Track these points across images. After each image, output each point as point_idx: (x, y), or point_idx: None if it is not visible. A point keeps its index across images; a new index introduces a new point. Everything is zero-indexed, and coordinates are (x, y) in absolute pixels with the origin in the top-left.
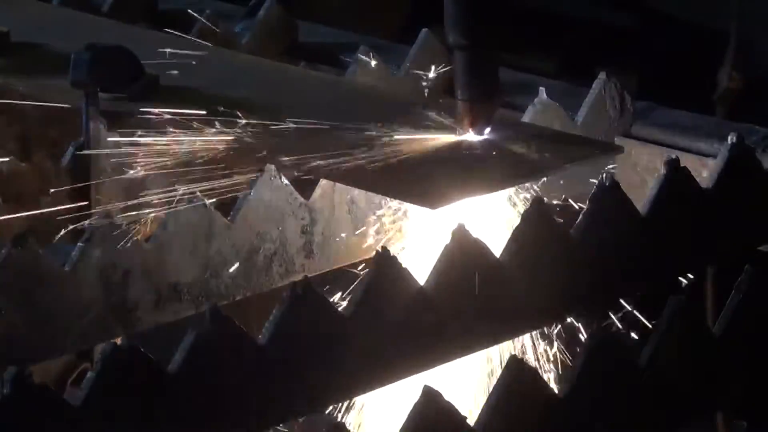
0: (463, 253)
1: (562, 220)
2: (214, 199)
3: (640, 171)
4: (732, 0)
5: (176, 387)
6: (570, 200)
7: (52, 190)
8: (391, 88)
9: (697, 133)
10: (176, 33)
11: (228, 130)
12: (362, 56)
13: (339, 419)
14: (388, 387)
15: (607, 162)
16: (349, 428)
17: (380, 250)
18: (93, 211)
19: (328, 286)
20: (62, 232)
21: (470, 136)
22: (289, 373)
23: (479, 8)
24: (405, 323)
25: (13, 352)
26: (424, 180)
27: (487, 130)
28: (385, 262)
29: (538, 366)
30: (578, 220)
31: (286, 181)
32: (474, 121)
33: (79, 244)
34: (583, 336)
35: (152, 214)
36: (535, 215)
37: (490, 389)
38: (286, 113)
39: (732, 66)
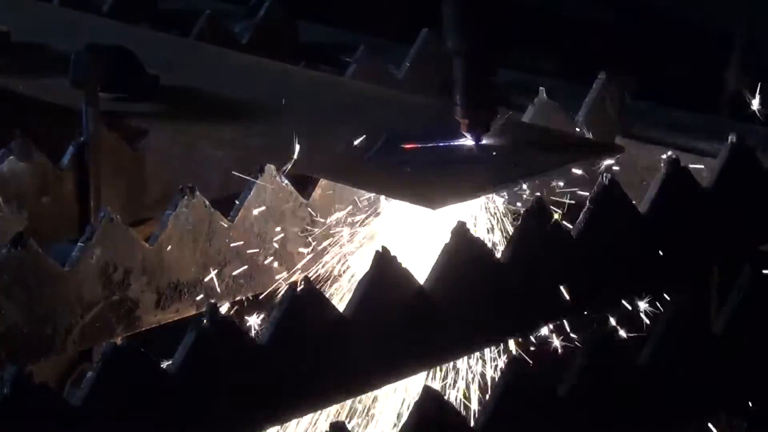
0: (463, 253)
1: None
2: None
3: (640, 171)
4: (739, 1)
5: (176, 387)
6: (570, 200)
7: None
8: (391, 88)
9: (697, 133)
10: (176, 33)
11: None
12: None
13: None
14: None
15: (607, 162)
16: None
17: (380, 250)
18: (93, 210)
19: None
20: (62, 231)
21: (470, 137)
22: (288, 373)
23: (477, 13)
24: (405, 323)
25: (14, 352)
26: (424, 180)
27: (485, 135)
28: (385, 262)
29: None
30: (578, 220)
31: (286, 181)
32: (471, 126)
33: (80, 243)
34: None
35: (153, 214)
36: (535, 215)
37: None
38: (286, 113)
39: (740, 67)
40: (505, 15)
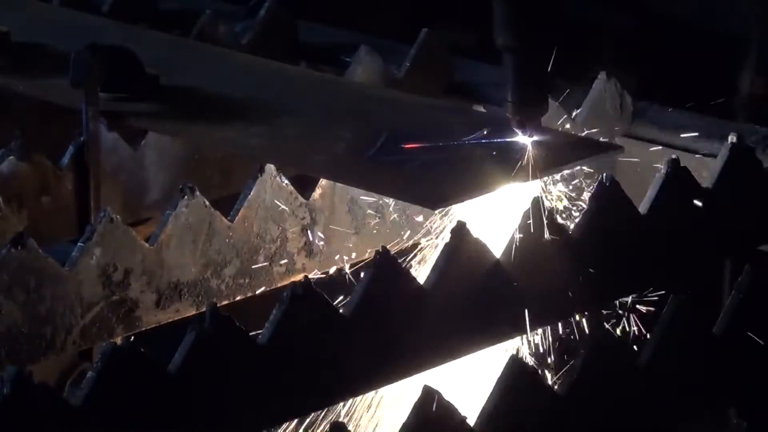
0: (463, 253)
1: (562, 220)
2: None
3: (640, 171)
4: (751, 4)
5: (176, 387)
6: (569, 200)
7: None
8: (391, 88)
9: (697, 133)
10: (176, 33)
11: None
12: (363, 55)
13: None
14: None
15: (607, 162)
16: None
17: (380, 250)
18: (93, 210)
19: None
20: (62, 231)
21: (473, 136)
22: (289, 372)
23: (529, 10)
24: (405, 323)
25: (14, 352)
26: (424, 180)
27: (536, 131)
28: (385, 262)
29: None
30: (578, 220)
31: (286, 181)
32: (523, 122)
33: (80, 243)
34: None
35: (153, 214)
36: (536, 215)
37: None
38: (285, 113)
39: (754, 71)
40: (555, 11)
